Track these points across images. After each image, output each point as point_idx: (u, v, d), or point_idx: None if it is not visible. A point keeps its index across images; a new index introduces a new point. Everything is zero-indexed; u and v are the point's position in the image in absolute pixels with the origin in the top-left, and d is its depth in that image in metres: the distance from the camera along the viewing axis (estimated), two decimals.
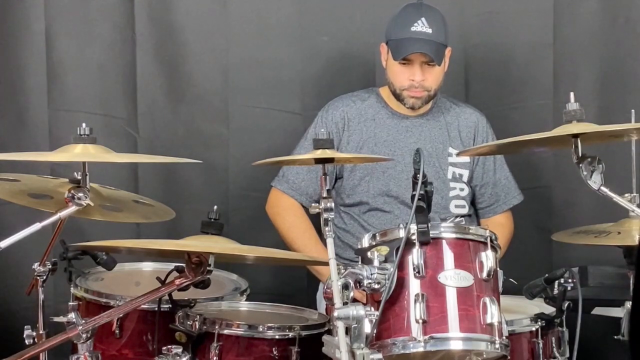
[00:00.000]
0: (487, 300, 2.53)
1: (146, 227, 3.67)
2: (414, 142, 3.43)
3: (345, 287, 2.48)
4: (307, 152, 3.33)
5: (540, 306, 2.96)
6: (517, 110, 3.92)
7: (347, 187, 3.47)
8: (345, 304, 2.46)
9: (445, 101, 3.53)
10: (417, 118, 3.47)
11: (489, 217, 3.54)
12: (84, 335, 2.60)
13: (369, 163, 3.40)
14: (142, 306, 2.88)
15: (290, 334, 2.84)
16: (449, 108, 3.52)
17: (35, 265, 2.82)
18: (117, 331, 2.97)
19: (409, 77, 3.35)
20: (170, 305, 2.89)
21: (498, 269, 2.63)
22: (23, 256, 3.10)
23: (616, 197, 2.68)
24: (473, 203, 3.55)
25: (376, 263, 2.52)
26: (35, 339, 2.77)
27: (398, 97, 3.41)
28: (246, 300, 3.17)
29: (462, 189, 3.48)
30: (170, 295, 2.83)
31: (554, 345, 2.91)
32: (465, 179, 3.48)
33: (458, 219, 3.43)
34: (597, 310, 3.37)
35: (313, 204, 2.63)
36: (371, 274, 2.50)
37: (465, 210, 3.48)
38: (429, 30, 3.32)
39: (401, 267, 2.52)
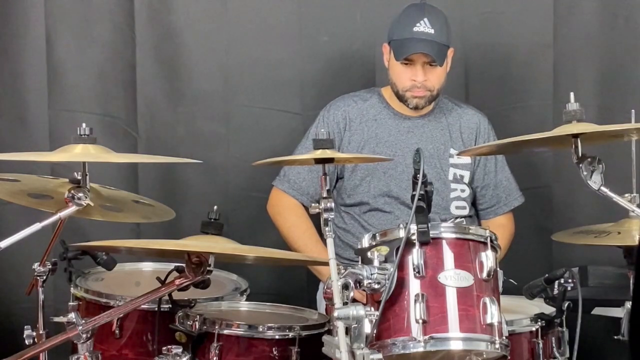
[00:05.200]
0: (487, 300, 2.53)
1: (146, 227, 3.67)
2: (415, 143, 3.42)
3: (345, 287, 2.48)
4: (308, 152, 3.35)
5: (540, 306, 2.95)
6: (517, 110, 3.92)
7: (348, 187, 3.47)
8: (345, 304, 2.46)
9: (447, 102, 3.53)
10: (418, 119, 3.47)
11: (490, 218, 3.54)
12: (84, 335, 2.60)
13: (370, 163, 3.40)
14: (142, 306, 2.88)
15: (290, 334, 2.84)
16: (450, 109, 3.52)
17: (35, 265, 2.82)
18: (117, 331, 2.96)
19: (411, 78, 3.35)
20: (170, 305, 2.89)
21: (498, 269, 2.63)
22: (23, 256, 3.09)
23: (616, 197, 2.68)
24: (474, 204, 3.55)
25: (376, 263, 2.52)
26: (35, 339, 2.77)
27: (401, 98, 3.41)
28: (246, 300, 3.17)
29: (463, 190, 3.48)
30: (170, 295, 2.83)
31: (554, 345, 2.91)
32: (466, 180, 3.48)
33: (459, 220, 3.44)
34: (597, 310, 3.37)
35: (313, 204, 2.63)
36: (371, 274, 2.50)
37: (466, 211, 3.47)
38: (431, 31, 3.32)
39: (401, 267, 2.52)
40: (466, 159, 3.47)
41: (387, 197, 3.43)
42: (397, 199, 3.42)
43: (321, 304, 3.34)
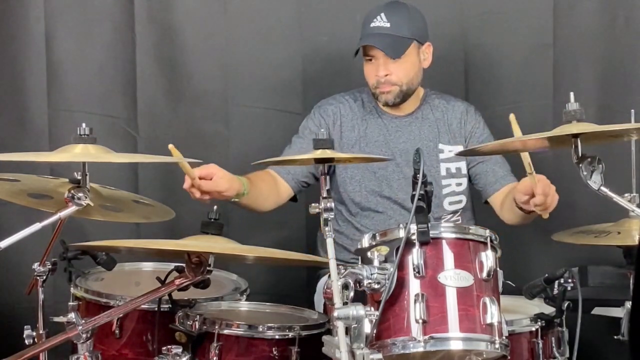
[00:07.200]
0: (487, 300, 2.53)
1: (146, 227, 3.67)
2: (403, 142, 3.42)
3: (345, 287, 2.48)
4: (300, 149, 3.33)
5: (540, 306, 2.96)
6: (517, 110, 3.90)
7: (339, 186, 3.44)
8: (345, 304, 2.45)
9: (434, 98, 3.51)
10: (405, 117, 3.46)
11: (498, 189, 3.41)
12: (84, 335, 2.60)
13: (360, 164, 3.38)
14: (142, 306, 2.89)
15: (290, 334, 2.84)
16: (437, 105, 3.49)
17: (35, 265, 2.82)
18: (117, 331, 2.97)
19: (375, 74, 3.35)
20: (170, 305, 2.89)
21: (498, 269, 2.63)
22: (23, 256, 3.10)
23: (616, 197, 2.68)
24: (475, 191, 3.50)
25: (376, 263, 2.52)
26: (35, 339, 2.78)
27: (374, 96, 3.41)
28: (246, 300, 3.17)
29: (458, 184, 3.45)
30: (170, 295, 2.83)
31: (553, 345, 2.91)
32: (464, 171, 3.46)
33: (455, 218, 3.43)
34: (597, 310, 3.36)
35: (313, 204, 2.62)
36: (371, 274, 2.50)
37: (461, 205, 3.44)
38: (387, 25, 3.32)
39: (401, 267, 2.52)
40: (455, 151, 3.42)
41: (378, 197, 3.42)
42: (388, 199, 3.41)
43: (319, 306, 3.33)
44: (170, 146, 2.88)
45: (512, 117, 2.82)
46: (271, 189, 3.40)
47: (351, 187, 3.44)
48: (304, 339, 2.84)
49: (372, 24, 3.34)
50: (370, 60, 3.36)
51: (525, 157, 2.85)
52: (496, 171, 3.43)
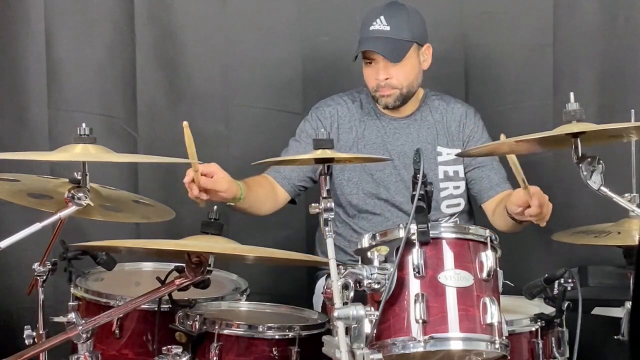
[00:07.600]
0: (487, 300, 2.53)
1: (146, 227, 3.67)
2: (401, 145, 3.41)
3: (345, 287, 2.48)
4: (297, 153, 3.33)
5: (540, 306, 2.96)
6: (517, 110, 3.92)
7: (336, 188, 3.44)
8: (345, 304, 2.46)
9: (433, 99, 3.49)
10: (404, 119, 3.45)
11: (492, 196, 3.40)
12: (84, 335, 2.61)
13: (357, 165, 3.38)
14: (142, 306, 2.89)
15: (290, 334, 2.84)
16: (437, 106, 3.48)
17: (35, 265, 2.82)
18: (117, 331, 2.97)
19: (375, 77, 3.34)
20: (170, 305, 2.89)
21: (498, 269, 2.63)
22: (23, 256, 3.10)
23: (616, 197, 2.68)
24: (471, 195, 3.49)
25: (376, 263, 2.52)
26: (35, 339, 2.78)
27: (374, 99, 3.40)
28: (246, 300, 3.17)
29: (456, 187, 3.43)
30: (170, 295, 2.83)
31: (553, 345, 2.91)
32: (462, 174, 3.45)
33: (453, 219, 3.43)
34: (597, 310, 3.37)
35: (313, 204, 2.62)
36: (371, 274, 2.50)
37: (459, 208, 3.44)
38: (387, 28, 3.30)
39: (401, 267, 2.52)
40: (454, 154, 3.41)
41: (376, 199, 3.41)
42: (386, 201, 3.40)
43: (317, 308, 3.33)
44: (185, 123, 2.86)
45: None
46: (268, 193, 3.40)
47: (348, 190, 3.43)
48: (304, 339, 2.84)
49: (372, 27, 3.32)
50: (370, 63, 3.35)
51: (519, 173, 2.85)
52: (491, 178, 3.42)
